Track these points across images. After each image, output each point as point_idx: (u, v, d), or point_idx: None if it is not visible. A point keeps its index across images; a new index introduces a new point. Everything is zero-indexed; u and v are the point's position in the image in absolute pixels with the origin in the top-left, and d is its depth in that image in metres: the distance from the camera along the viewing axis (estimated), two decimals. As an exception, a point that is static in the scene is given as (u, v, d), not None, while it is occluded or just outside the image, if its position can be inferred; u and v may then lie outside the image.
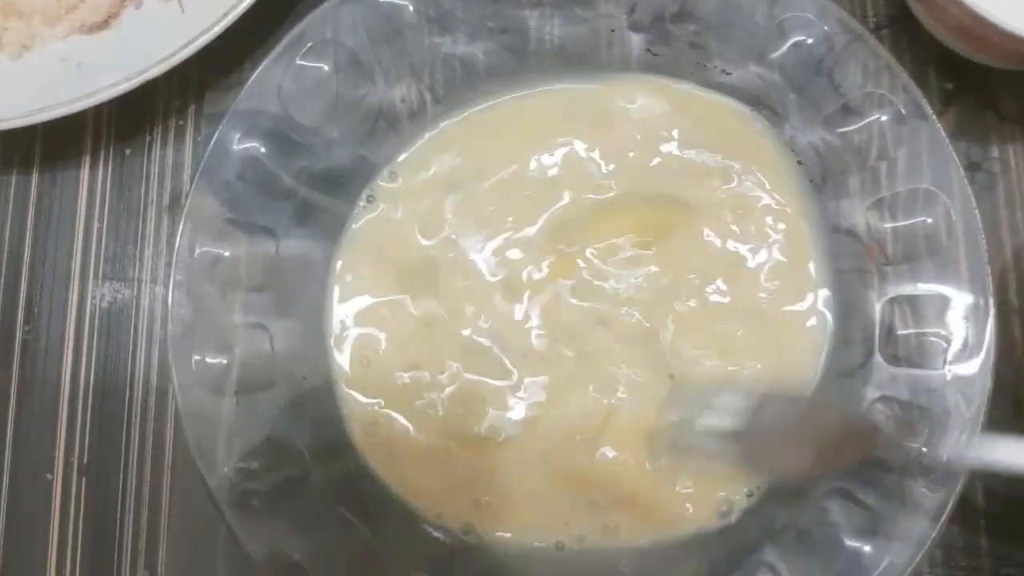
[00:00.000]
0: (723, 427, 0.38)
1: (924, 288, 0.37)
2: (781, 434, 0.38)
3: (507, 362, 0.41)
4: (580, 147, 0.43)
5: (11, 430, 0.44)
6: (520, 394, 0.41)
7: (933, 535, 0.34)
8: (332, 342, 0.42)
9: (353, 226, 0.43)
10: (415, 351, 0.41)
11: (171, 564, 0.42)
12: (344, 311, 0.42)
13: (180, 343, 0.37)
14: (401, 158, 0.43)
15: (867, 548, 0.35)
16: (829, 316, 0.40)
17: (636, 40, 0.42)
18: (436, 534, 0.40)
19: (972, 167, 0.43)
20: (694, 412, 0.39)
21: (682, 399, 0.40)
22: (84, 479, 0.43)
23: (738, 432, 0.37)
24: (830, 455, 0.36)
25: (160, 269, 0.45)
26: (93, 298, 0.45)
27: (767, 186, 0.42)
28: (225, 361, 0.38)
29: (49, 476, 0.43)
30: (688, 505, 0.39)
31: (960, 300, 0.36)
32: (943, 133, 0.37)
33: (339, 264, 0.42)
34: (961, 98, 0.44)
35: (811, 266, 0.41)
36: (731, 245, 0.41)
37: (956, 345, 0.36)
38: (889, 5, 0.45)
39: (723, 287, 0.41)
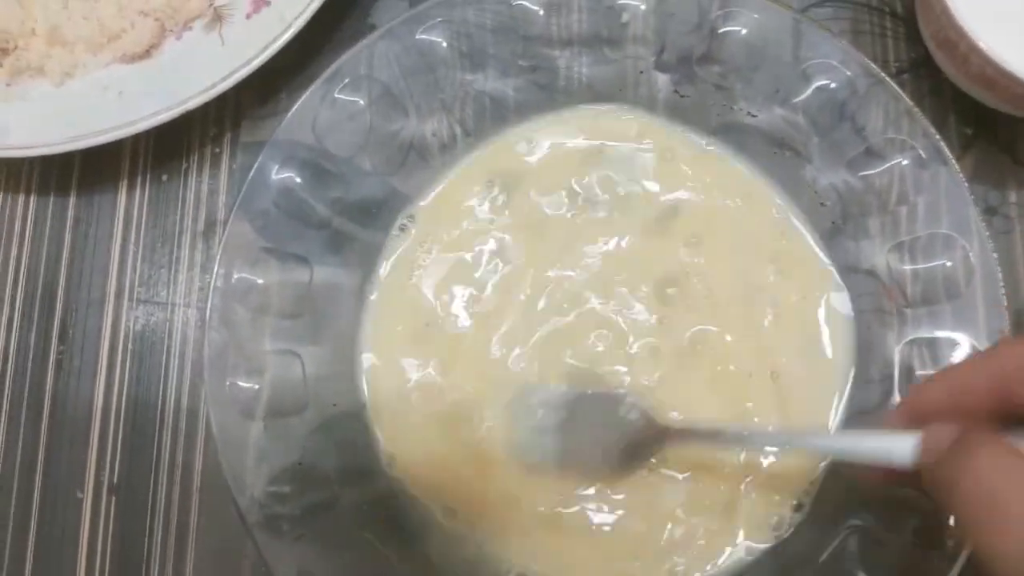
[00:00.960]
0: None
1: (942, 332, 0.38)
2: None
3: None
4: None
5: (44, 448, 0.45)
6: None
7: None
8: (362, 370, 0.42)
9: (386, 257, 0.44)
10: (446, 382, 0.42)
11: (198, 584, 0.43)
12: (375, 340, 0.43)
13: (214, 367, 0.38)
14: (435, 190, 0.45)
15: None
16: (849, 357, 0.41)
17: (663, 80, 0.43)
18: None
19: (989, 211, 0.44)
20: None
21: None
22: (114, 498, 0.44)
23: None
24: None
25: (193, 293, 0.46)
26: (127, 320, 0.46)
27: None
28: (256, 386, 0.39)
29: (80, 494, 0.44)
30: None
31: (978, 345, 0.37)
32: (962, 178, 0.38)
33: (373, 296, 0.43)
34: (980, 143, 0.45)
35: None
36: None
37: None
38: (911, 50, 0.46)
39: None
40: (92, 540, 0.44)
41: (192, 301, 0.45)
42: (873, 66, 0.39)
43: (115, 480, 0.44)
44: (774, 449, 0.40)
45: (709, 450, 0.40)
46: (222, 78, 0.42)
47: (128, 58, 0.46)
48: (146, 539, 0.43)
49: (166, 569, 0.43)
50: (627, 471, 0.40)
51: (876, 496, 0.37)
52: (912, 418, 0.30)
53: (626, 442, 0.40)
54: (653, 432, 0.39)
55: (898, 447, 0.29)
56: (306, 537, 0.38)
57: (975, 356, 0.36)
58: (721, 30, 0.41)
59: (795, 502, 0.40)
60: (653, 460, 0.40)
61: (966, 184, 0.38)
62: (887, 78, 0.39)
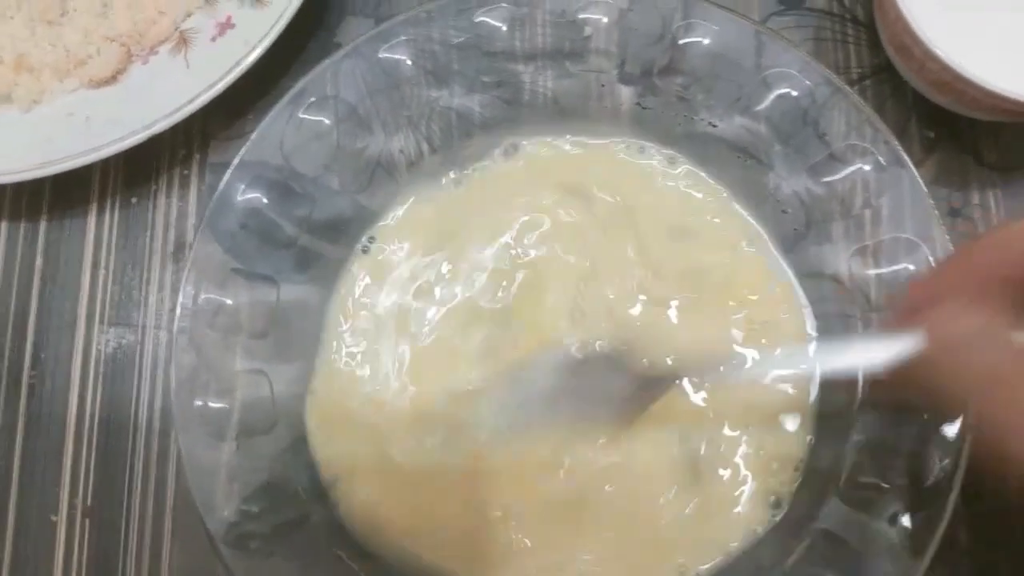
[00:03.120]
0: None
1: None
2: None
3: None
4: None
5: (17, 472, 0.45)
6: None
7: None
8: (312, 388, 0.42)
9: (347, 274, 0.44)
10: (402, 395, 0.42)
11: (172, 605, 0.43)
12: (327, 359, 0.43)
13: (183, 389, 0.38)
14: (399, 209, 0.45)
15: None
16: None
17: (626, 93, 0.43)
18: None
19: (953, 213, 0.44)
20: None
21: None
22: (88, 521, 0.44)
23: None
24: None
25: (164, 315, 0.46)
26: (98, 343, 0.46)
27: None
28: (226, 406, 0.39)
29: (54, 518, 0.44)
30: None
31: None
32: (922, 183, 0.38)
33: (332, 313, 0.43)
34: (942, 146, 0.45)
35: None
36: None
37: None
38: (872, 56, 0.46)
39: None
40: (67, 563, 0.44)
41: (163, 323, 0.46)
42: (832, 76, 0.40)
43: (88, 503, 0.44)
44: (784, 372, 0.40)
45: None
46: (187, 101, 0.42)
47: (95, 83, 0.46)
48: (120, 561, 0.43)
49: (141, 590, 0.43)
50: (630, 418, 0.40)
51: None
52: (914, 310, 0.31)
53: (628, 389, 0.40)
54: (655, 374, 0.39)
55: (906, 340, 0.30)
56: (276, 555, 0.38)
57: (969, 244, 0.35)
58: (682, 41, 0.41)
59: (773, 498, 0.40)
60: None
61: (926, 189, 0.38)
62: (846, 87, 0.40)
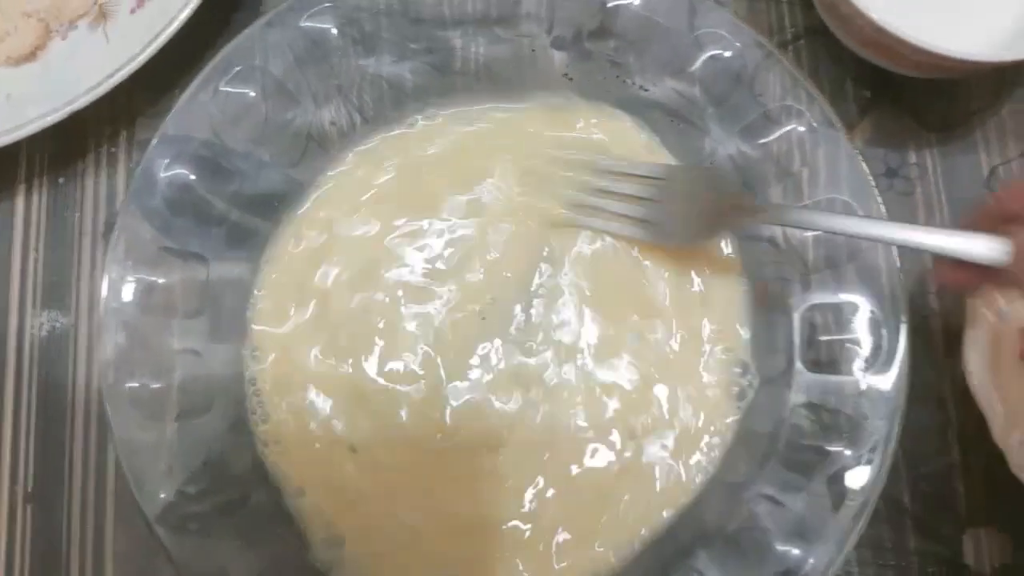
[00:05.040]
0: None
1: (843, 296, 0.38)
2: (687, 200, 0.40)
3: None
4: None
5: (-45, 462, 0.44)
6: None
7: (853, 535, 0.36)
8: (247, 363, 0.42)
9: (274, 248, 0.43)
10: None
11: (117, 587, 0.43)
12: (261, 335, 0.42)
13: (112, 370, 0.38)
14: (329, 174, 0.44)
15: (795, 551, 0.37)
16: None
17: (559, 58, 0.42)
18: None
19: (890, 173, 0.44)
20: None
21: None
22: (30, 507, 0.43)
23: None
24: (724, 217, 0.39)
25: (97, 297, 0.44)
26: (32, 327, 0.45)
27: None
28: (161, 386, 0.39)
29: (-6, 505, 0.44)
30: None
31: (876, 307, 0.38)
32: (851, 145, 0.38)
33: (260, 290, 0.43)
34: (878, 106, 0.45)
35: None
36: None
37: (872, 351, 0.38)
38: (806, 17, 0.46)
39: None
40: (10, 549, 0.43)
41: (96, 304, 0.44)
42: (762, 39, 0.40)
43: (30, 488, 0.44)
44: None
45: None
46: (108, 75, 0.41)
47: (14, 61, 0.44)
48: (64, 545, 0.43)
49: (85, 572, 0.42)
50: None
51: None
52: (997, 219, 0.32)
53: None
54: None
55: (990, 247, 0.31)
56: (217, 535, 0.37)
57: None
58: (612, 4, 0.41)
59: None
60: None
61: (856, 151, 0.38)
62: (775, 51, 0.39)
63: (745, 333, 0.41)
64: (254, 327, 0.42)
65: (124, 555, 0.43)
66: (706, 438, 0.40)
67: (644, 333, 0.41)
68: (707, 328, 0.42)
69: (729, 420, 0.40)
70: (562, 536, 0.40)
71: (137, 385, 0.38)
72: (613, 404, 0.40)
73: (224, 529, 0.38)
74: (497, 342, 0.41)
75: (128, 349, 0.38)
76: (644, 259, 0.42)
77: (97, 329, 0.44)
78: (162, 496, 0.37)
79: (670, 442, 0.40)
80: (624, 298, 0.42)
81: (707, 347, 0.41)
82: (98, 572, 0.42)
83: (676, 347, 0.41)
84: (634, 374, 0.41)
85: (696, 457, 0.40)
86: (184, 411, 0.39)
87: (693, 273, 0.42)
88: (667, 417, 0.40)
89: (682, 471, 0.40)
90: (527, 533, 0.39)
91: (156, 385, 0.39)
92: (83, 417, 0.44)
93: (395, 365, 0.41)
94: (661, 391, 0.41)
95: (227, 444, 0.40)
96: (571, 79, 0.43)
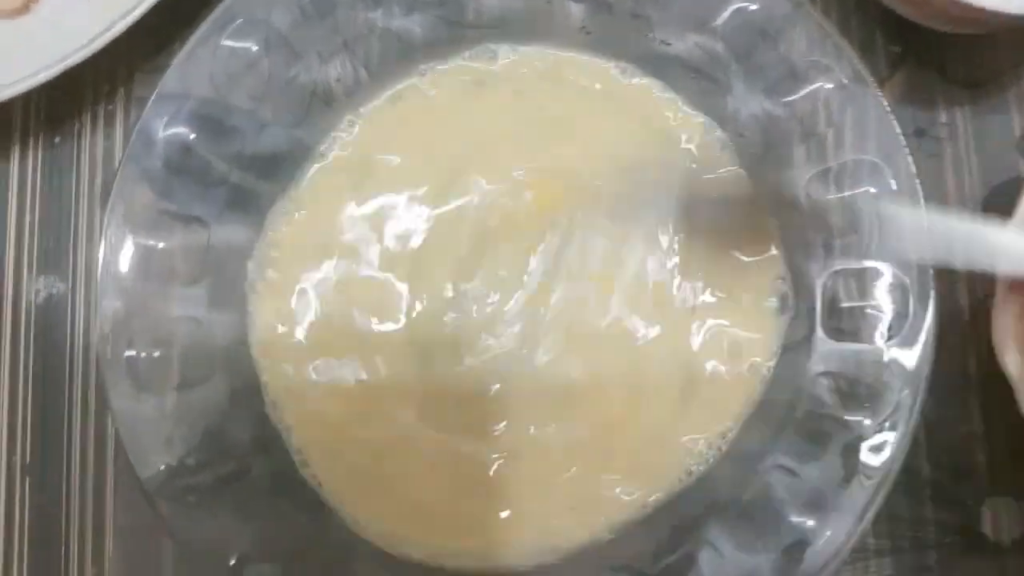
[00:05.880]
0: None
1: (867, 262, 0.37)
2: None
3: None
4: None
5: (-49, 432, 0.43)
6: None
7: (872, 507, 0.34)
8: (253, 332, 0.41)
9: (279, 209, 0.41)
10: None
11: (118, 560, 0.41)
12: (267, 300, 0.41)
13: (109, 339, 0.36)
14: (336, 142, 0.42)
15: (809, 522, 0.35)
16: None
17: (576, 10, 0.40)
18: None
19: (918, 133, 0.42)
20: None
21: None
22: (28, 479, 0.42)
23: None
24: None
25: (96, 261, 0.43)
26: (28, 293, 0.44)
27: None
28: (161, 355, 0.37)
29: (-8, 477, 0.42)
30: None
31: (902, 273, 0.36)
32: (885, 104, 0.36)
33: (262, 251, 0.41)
34: (909, 62, 0.43)
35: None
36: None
37: (898, 319, 0.36)
38: (836, -33, 0.44)
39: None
40: (8, 522, 0.42)
41: (95, 269, 0.43)
42: (790, -11, 0.37)
43: (28, 461, 0.42)
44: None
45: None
46: (104, 29, 0.39)
47: (5, 14, 0.43)
48: (63, 517, 0.42)
49: (85, 546, 0.41)
50: None
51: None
52: None
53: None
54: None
55: None
56: (216, 507, 0.36)
57: None
58: (632, -47, 0.39)
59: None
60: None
61: (889, 110, 0.36)
62: (805, 2, 0.37)
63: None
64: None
65: (124, 526, 0.42)
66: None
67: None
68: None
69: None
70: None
71: (135, 354, 0.37)
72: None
73: (224, 501, 0.37)
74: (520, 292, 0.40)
75: (126, 317, 0.37)
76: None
77: (95, 296, 0.43)
78: (161, 468, 0.36)
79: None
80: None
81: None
82: (98, 544, 0.42)
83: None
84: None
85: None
86: (184, 381, 0.37)
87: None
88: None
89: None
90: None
91: (155, 354, 0.37)
92: (81, 387, 0.43)
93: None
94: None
95: (228, 415, 0.38)
96: (589, 33, 0.41)
